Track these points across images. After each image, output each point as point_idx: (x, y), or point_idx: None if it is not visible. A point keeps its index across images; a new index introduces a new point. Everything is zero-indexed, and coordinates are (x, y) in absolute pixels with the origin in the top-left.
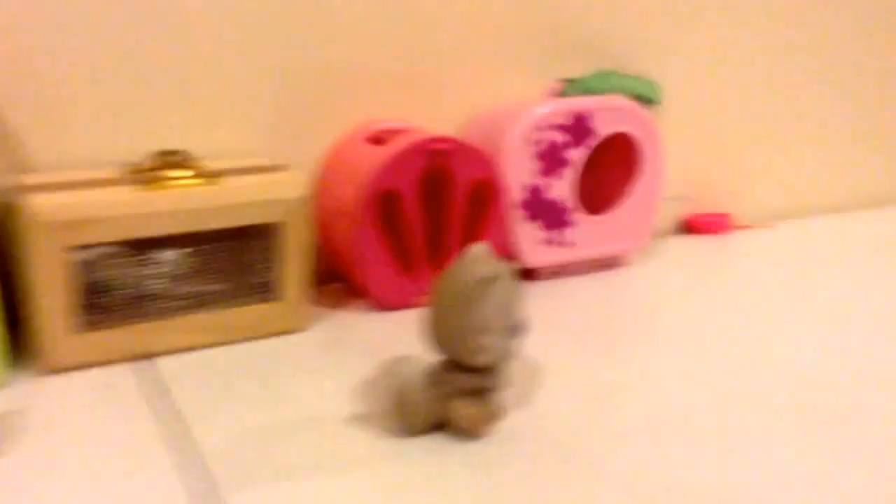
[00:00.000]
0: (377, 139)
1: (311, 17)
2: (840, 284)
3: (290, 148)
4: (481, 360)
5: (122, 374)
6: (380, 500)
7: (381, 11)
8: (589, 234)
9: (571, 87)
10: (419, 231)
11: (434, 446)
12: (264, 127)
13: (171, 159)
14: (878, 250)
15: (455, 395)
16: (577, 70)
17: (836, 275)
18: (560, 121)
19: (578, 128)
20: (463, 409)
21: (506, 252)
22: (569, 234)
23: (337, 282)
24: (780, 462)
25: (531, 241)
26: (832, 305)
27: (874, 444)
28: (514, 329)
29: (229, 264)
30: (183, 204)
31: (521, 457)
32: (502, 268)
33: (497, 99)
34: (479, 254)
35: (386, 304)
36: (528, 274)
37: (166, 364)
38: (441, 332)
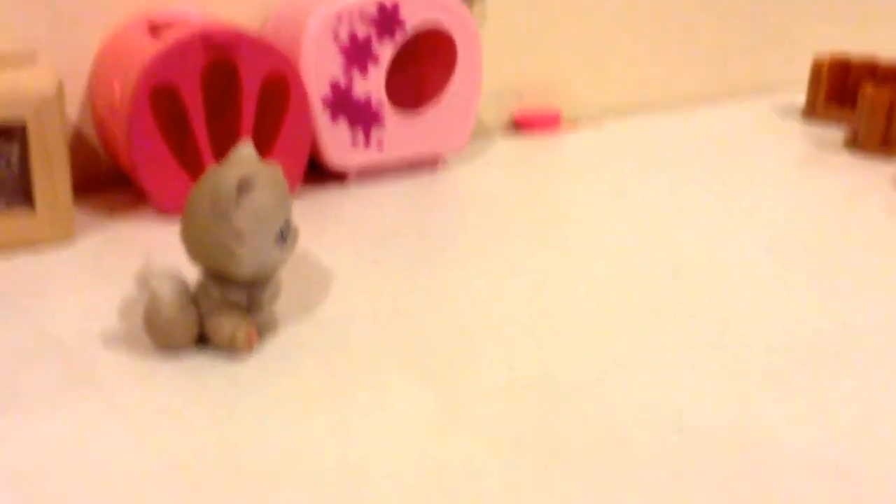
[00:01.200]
0: (155, 29)
1: None
2: (664, 183)
3: (59, 38)
4: (240, 272)
5: None
6: (122, 429)
7: None
8: (401, 133)
9: None
10: (203, 129)
11: (192, 366)
12: (25, 13)
13: None
14: (701, 146)
15: (215, 311)
16: None
17: (662, 174)
18: (365, 12)
19: (385, 20)
20: (222, 327)
21: (308, 153)
22: (378, 133)
23: (124, 185)
24: (595, 350)
25: (336, 142)
26: (659, 204)
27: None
28: (281, 237)
29: None
30: None
31: (294, 372)
32: (264, 171)
33: None
34: (239, 156)
35: (168, 209)
36: (337, 177)
37: None
38: (196, 243)
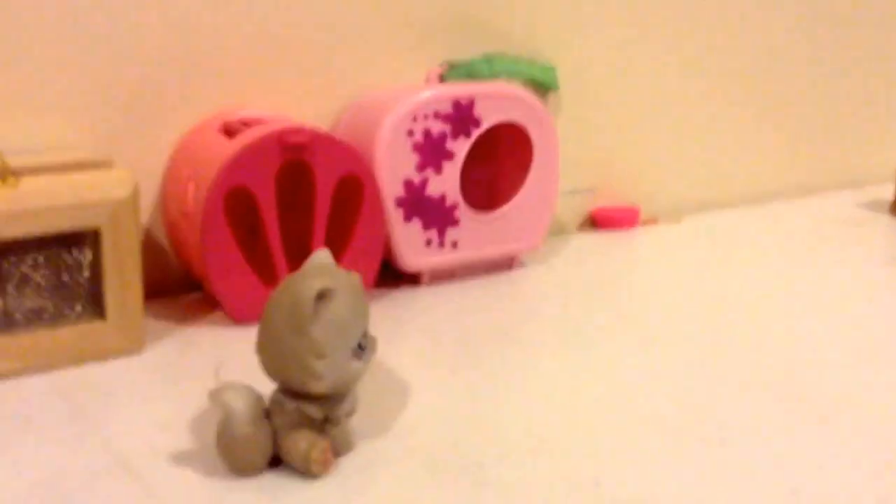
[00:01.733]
0: (230, 130)
1: None
2: (747, 281)
3: (133, 141)
4: (317, 387)
5: None
6: None
7: None
8: (476, 233)
9: (454, 71)
10: (276, 233)
11: (267, 487)
12: (99, 117)
13: None
14: (785, 242)
15: (289, 428)
16: (463, 54)
17: (743, 270)
18: (440, 109)
19: (460, 117)
20: (297, 445)
21: (382, 254)
22: (452, 233)
23: (194, 291)
24: (683, 462)
25: (410, 243)
26: (738, 303)
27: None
28: (359, 350)
29: (43, 277)
30: None
31: (371, 492)
32: (342, 281)
33: (373, 85)
34: (315, 266)
35: (241, 317)
36: (410, 278)
37: None
38: (273, 356)
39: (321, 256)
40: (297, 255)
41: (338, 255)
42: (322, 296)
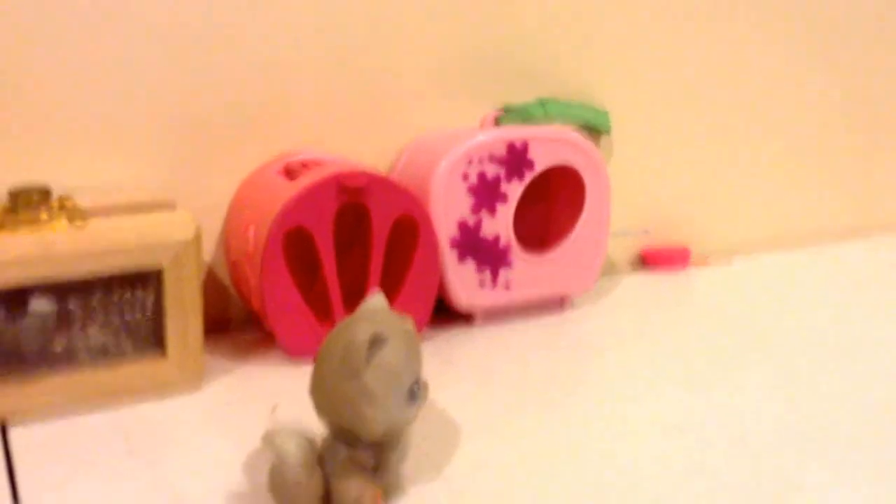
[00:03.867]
0: (290, 172)
1: (222, 34)
2: (800, 323)
3: (197, 181)
4: (369, 433)
5: None
6: None
7: (301, 33)
8: (528, 274)
9: (509, 115)
10: (333, 274)
11: None
12: (163, 157)
13: (28, 197)
14: (839, 284)
15: (341, 473)
16: (517, 98)
17: (796, 312)
18: (494, 152)
19: (514, 159)
20: (348, 492)
21: (435, 295)
22: (505, 274)
23: (253, 329)
24: None
25: (464, 283)
26: (792, 347)
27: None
28: (412, 395)
29: (105, 316)
30: (38, 249)
31: None
32: (396, 326)
33: (429, 128)
34: (369, 310)
35: (298, 355)
36: (463, 317)
37: (21, 434)
38: (325, 401)
39: (375, 300)
40: (354, 293)
41: (393, 294)
42: (375, 341)
